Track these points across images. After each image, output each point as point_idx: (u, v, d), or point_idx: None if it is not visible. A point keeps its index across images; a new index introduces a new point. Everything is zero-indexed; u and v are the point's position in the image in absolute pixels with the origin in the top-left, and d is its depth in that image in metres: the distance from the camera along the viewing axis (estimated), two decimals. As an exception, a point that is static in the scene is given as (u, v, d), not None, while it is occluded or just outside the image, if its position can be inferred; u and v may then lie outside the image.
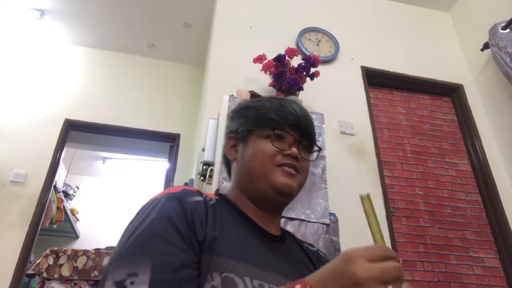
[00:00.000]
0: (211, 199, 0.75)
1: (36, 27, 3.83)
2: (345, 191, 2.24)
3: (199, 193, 0.73)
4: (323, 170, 1.90)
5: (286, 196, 0.79)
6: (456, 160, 2.85)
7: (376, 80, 2.99)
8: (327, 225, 1.80)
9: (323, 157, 1.94)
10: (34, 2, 3.57)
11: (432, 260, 2.39)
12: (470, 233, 2.56)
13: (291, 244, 0.83)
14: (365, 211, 0.58)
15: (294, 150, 0.78)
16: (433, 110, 3.06)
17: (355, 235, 2.14)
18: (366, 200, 0.59)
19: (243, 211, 0.78)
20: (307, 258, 0.82)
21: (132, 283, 0.52)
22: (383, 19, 3.35)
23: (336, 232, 1.87)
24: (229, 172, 0.89)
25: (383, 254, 0.48)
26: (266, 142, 0.79)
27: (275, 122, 0.80)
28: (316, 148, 0.87)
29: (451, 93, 3.14)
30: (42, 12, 3.66)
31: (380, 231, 0.56)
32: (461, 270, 2.40)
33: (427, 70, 3.10)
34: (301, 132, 0.82)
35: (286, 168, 0.77)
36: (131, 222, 0.65)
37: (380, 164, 2.57)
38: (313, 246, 0.92)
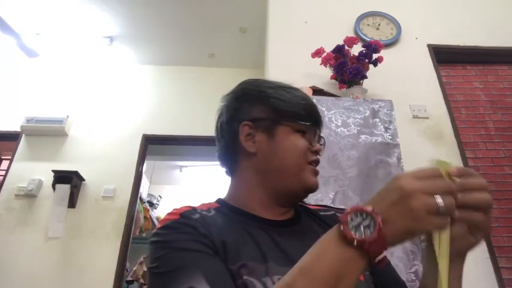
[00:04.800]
0: (209, 210, 0.74)
1: (108, 53, 4.16)
2: (424, 178, 2.14)
3: (194, 210, 0.72)
4: (399, 158, 1.83)
5: (310, 193, 0.78)
6: (549, 131, 2.57)
7: (445, 56, 2.80)
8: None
9: (397, 145, 1.87)
10: (103, 31, 3.89)
11: (533, 245, 2.19)
12: None
13: (307, 221, 0.80)
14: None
15: (319, 146, 0.79)
16: (516, 81, 2.79)
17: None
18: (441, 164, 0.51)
19: (247, 210, 0.76)
20: (327, 226, 0.78)
21: None
22: (446, -11, 3.11)
23: (419, 221, 1.80)
24: (232, 162, 0.84)
25: (431, 174, 0.48)
26: (298, 137, 0.76)
27: (303, 116, 0.78)
28: (322, 141, 0.84)
29: (535, 58, 2.83)
30: (111, 39, 3.97)
31: None
32: None
33: (502, 38, 2.82)
34: (319, 126, 0.81)
35: (313, 167, 0.77)
36: (158, 249, 0.63)
37: (461, 146, 2.41)
38: (330, 209, 0.88)
